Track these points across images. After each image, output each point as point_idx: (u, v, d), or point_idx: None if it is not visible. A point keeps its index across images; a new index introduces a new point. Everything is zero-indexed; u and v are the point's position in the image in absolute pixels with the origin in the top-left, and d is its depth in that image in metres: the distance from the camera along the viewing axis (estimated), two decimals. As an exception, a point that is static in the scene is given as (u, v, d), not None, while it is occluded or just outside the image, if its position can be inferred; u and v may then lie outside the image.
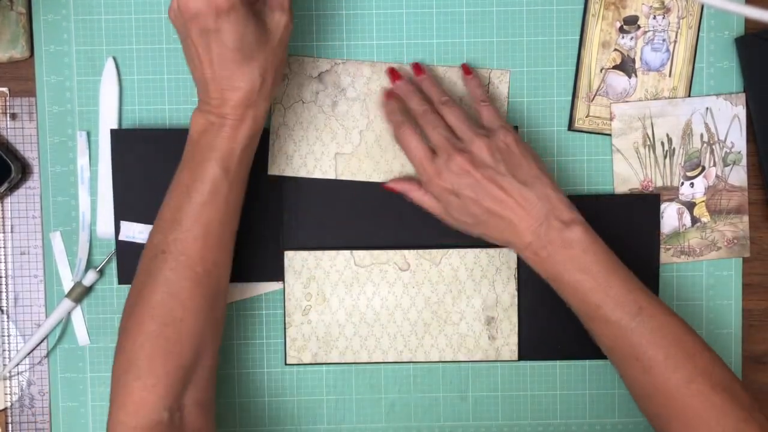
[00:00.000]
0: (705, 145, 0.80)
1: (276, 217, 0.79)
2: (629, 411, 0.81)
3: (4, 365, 0.80)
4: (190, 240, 0.67)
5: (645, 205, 0.80)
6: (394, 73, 0.77)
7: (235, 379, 0.81)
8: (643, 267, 0.80)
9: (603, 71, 0.80)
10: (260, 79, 0.67)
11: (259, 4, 0.67)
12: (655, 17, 0.79)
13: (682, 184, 0.80)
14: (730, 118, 0.80)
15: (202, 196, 0.68)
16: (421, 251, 0.79)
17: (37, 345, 0.79)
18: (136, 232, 0.77)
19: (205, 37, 0.65)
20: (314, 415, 0.81)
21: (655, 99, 0.80)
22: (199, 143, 0.68)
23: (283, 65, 0.70)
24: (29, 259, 0.80)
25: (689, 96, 0.80)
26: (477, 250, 0.80)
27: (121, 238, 0.77)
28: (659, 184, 0.80)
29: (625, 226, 0.80)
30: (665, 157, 0.80)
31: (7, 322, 0.80)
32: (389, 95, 0.76)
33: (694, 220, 0.80)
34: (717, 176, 0.80)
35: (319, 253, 0.79)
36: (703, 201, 0.80)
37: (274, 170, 0.78)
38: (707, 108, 0.80)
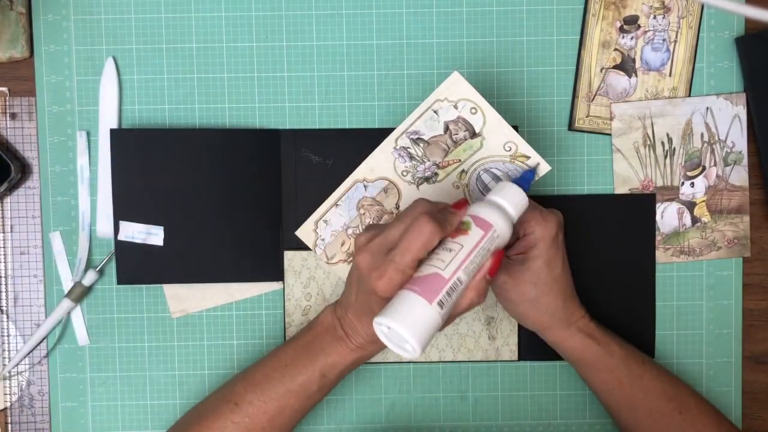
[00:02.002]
0: (705, 144, 0.80)
1: (276, 217, 0.79)
2: (629, 411, 0.81)
3: (4, 365, 0.80)
4: (261, 411, 0.71)
5: (641, 205, 0.80)
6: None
7: (235, 379, 0.81)
8: (640, 266, 0.80)
9: (603, 71, 0.80)
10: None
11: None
12: (655, 17, 0.79)
13: (683, 183, 0.80)
14: (730, 118, 0.80)
15: (292, 384, 0.71)
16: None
17: (37, 345, 0.79)
18: (135, 231, 0.77)
19: (361, 291, 0.66)
20: (314, 415, 0.81)
21: (655, 99, 0.80)
22: (316, 339, 0.71)
23: None
24: (29, 259, 0.80)
25: (689, 96, 0.80)
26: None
27: (120, 237, 0.77)
28: (659, 183, 0.80)
29: (622, 226, 0.80)
30: (665, 156, 0.80)
31: (7, 322, 0.80)
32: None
33: (695, 220, 0.80)
34: (717, 176, 0.80)
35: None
36: (703, 201, 0.80)
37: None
38: (707, 108, 0.80)
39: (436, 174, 0.75)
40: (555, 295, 0.72)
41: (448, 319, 0.65)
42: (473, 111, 0.73)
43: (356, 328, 0.69)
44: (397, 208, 0.77)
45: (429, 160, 0.75)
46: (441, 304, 0.61)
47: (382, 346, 0.69)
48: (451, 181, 0.75)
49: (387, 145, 0.75)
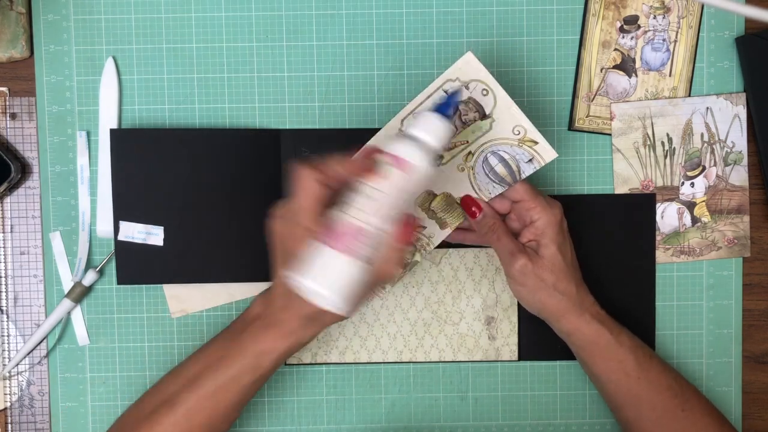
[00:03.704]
0: (705, 144, 0.80)
1: (276, 217, 0.79)
2: (629, 411, 0.81)
3: (4, 365, 0.80)
4: (197, 409, 0.69)
5: (641, 205, 0.80)
6: (474, 206, 0.75)
7: (235, 379, 0.81)
8: (640, 266, 0.80)
9: (603, 71, 0.80)
10: (319, 321, 0.67)
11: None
12: (655, 17, 0.79)
13: (683, 183, 0.80)
14: (730, 118, 0.80)
15: (224, 378, 0.69)
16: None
17: (37, 345, 0.79)
18: (135, 231, 0.77)
19: (282, 257, 0.65)
20: (314, 415, 0.81)
21: (655, 99, 0.80)
22: (247, 329, 0.69)
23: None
24: (29, 259, 0.80)
25: (689, 96, 0.80)
26: (477, 250, 0.80)
27: (120, 238, 0.77)
28: (659, 183, 0.80)
29: (622, 226, 0.80)
30: (665, 156, 0.80)
31: (7, 322, 0.80)
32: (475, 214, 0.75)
33: (695, 220, 0.80)
34: (717, 176, 0.80)
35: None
36: (703, 201, 0.80)
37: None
38: (707, 108, 0.80)
39: (441, 156, 0.75)
40: (569, 280, 0.73)
41: (371, 288, 0.62)
42: (484, 92, 0.72)
43: (284, 311, 0.67)
44: None
45: None
46: (359, 255, 0.56)
47: (317, 331, 0.67)
48: (456, 164, 0.74)
49: (392, 126, 0.74)
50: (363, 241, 0.56)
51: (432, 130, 0.59)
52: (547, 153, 0.73)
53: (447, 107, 0.62)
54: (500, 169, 0.73)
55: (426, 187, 0.61)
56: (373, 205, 0.57)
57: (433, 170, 0.59)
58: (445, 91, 0.70)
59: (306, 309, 0.65)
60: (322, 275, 0.56)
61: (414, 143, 0.59)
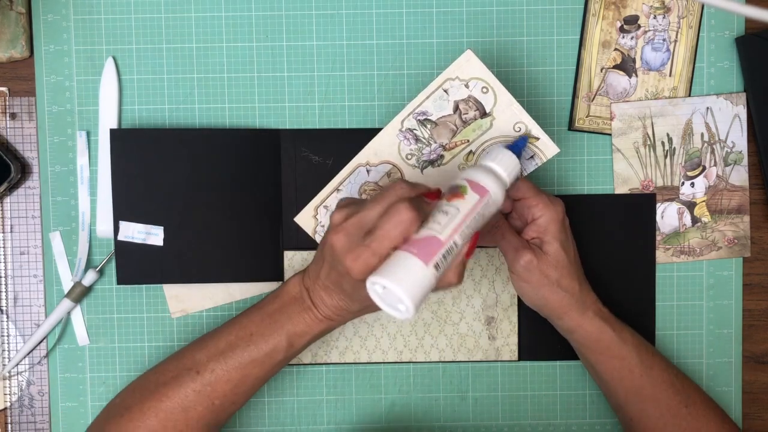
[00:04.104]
0: (705, 144, 0.80)
1: (276, 217, 0.79)
2: (629, 411, 0.81)
3: (4, 365, 0.80)
4: (224, 379, 0.70)
5: (641, 205, 0.80)
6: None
7: (235, 379, 0.81)
8: (640, 266, 0.80)
9: (603, 71, 0.80)
10: (360, 308, 0.68)
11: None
12: (655, 17, 0.79)
13: (683, 183, 0.80)
14: (730, 118, 0.80)
15: (258, 353, 0.70)
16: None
17: (37, 345, 0.79)
18: (135, 231, 0.77)
19: (335, 270, 0.65)
20: (314, 415, 0.81)
21: (655, 99, 0.80)
22: (283, 308, 0.70)
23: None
24: (29, 259, 0.80)
25: (689, 96, 0.80)
26: (477, 250, 0.80)
27: (120, 238, 0.77)
28: (659, 183, 0.80)
29: (622, 226, 0.80)
30: (666, 156, 0.80)
31: (7, 322, 0.80)
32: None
33: (695, 220, 0.80)
34: (718, 176, 0.80)
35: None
36: (703, 201, 0.80)
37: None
38: (708, 108, 0.80)
39: (441, 156, 0.75)
40: (572, 277, 0.73)
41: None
42: (484, 90, 0.72)
43: (324, 300, 0.68)
44: None
45: (435, 142, 0.74)
46: (437, 266, 0.60)
47: (350, 317, 0.69)
48: (456, 164, 0.74)
49: (392, 127, 0.74)
50: (440, 252, 0.61)
51: (505, 164, 0.67)
52: (548, 149, 0.73)
53: (518, 147, 0.69)
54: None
55: (496, 216, 0.67)
56: (452, 221, 0.62)
57: (502, 199, 0.65)
58: (519, 136, 0.73)
59: (351, 304, 0.67)
60: (405, 280, 0.60)
61: (489, 173, 0.65)
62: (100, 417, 0.73)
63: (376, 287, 0.61)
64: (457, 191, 0.64)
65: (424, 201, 0.64)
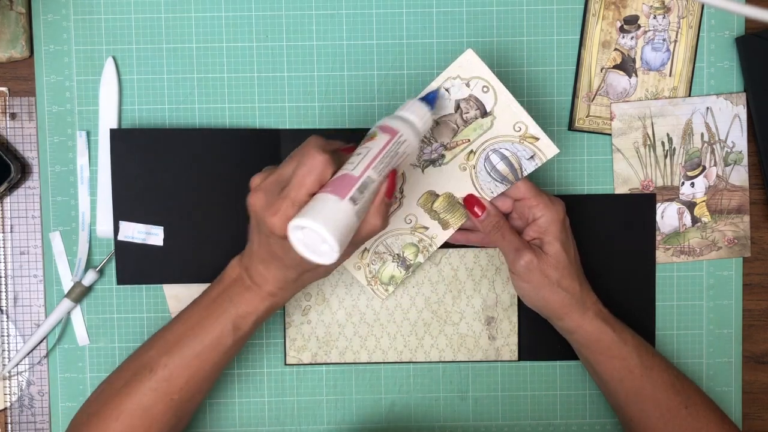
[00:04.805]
0: (705, 144, 0.80)
1: (276, 217, 0.79)
2: (629, 411, 0.81)
3: (4, 365, 0.80)
4: (177, 374, 0.69)
5: (641, 205, 0.80)
6: (477, 206, 0.75)
7: (235, 379, 0.81)
8: (640, 266, 0.80)
9: (603, 71, 0.80)
10: (298, 274, 0.67)
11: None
12: (655, 17, 0.79)
13: (683, 183, 0.80)
14: (730, 118, 0.80)
15: (205, 341, 0.69)
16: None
17: (37, 345, 0.79)
18: (135, 231, 0.77)
19: (262, 234, 0.65)
20: (314, 415, 0.81)
21: (655, 99, 0.80)
22: (224, 292, 0.70)
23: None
24: (29, 259, 0.80)
25: (689, 96, 0.80)
26: (477, 250, 0.80)
27: (120, 238, 0.77)
28: (659, 183, 0.80)
29: (622, 226, 0.80)
30: (666, 156, 0.80)
31: (7, 322, 0.80)
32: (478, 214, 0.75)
33: (695, 220, 0.80)
34: (718, 176, 0.80)
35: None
36: (703, 201, 0.80)
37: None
38: (708, 108, 0.80)
39: (442, 156, 0.75)
40: (573, 278, 0.73)
41: (354, 243, 0.64)
42: (485, 90, 0.72)
43: (263, 273, 0.67)
44: (401, 192, 0.76)
45: (437, 141, 0.74)
46: (353, 200, 0.61)
47: (293, 289, 0.69)
48: (457, 163, 0.74)
49: None
50: (355, 186, 0.62)
51: (414, 110, 0.68)
52: (548, 149, 0.73)
53: (430, 98, 0.71)
54: (502, 167, 0.73)
55: (411, 157, 0.68)
56: (365, 159, 0.63)
57: (417, 141, 0.67)
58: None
59: (288, 272, 0.66)
60: (321, 215, 0.60)
61: (398, 119, 0.68)
62: (68, 429, 0.73)
63: (297, 234, 0.61)
64: (368, 137, 0.66)
65: (340, 154, 0.65)
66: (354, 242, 0.64)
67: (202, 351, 0.69)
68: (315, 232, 0.60)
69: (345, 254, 0.66)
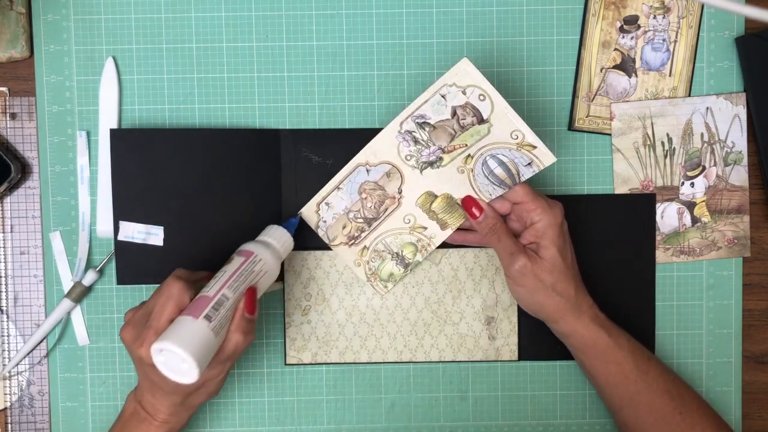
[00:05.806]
0: (705, 144, 0.80)
1: (276, 217, 0.79)
2: (629, 411, 0.81)
3: (4, 365, 0.80)
4: None
5: (641, 205, 0.80)
6: (475, 207, 0.75)
7: (235, 379, 0.81)
8: (640, 266, 0.80)
9: (603, 71, 0.80)
10: (182, 398, 0.70)
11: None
12: (655, 17, 0.79)
13: (683, 183, 0.80)
14: (730, 118, 0.80)
15: None
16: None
17: (37, 345, 0.79)
18: (135, 231, 0.77)
19: (139, 366, 0.69)
20: (314, 415, 0.81)
21: (655, 99, 0.80)
22: (125, 426, 0.72)
23: (222, 380, 0.71)
24: (29, 259, 0.80)
25: (689, 96, 0.80)
26: (477, 250, 0.80)
27: (120, 238, 0.77)
28: (659, 183, 0.80)
29: (622, 226, 0.80)
30: (665, 156, 0.80)
31: (7, 322, 0.80)
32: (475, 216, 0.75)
33: (695, 220, 0.80)
34: (717, 176, 0.80)
35: (319, 253, 0.79)
36: (703, 201, 0.80)
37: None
38: (707, 108, 0.80)
39: (440, 159, 0.75)
40: (568, 282, 0.73)
41: (220, 361, 0.68)
42: (482, 98, 0.72)
43: (153, 404, 0.71)
44: (400, 192, 0.76)
45: (434, 144, 0.74)
46: (208, 317, 0.65)
47: (188, 416, 0.72)
48: (456, 166, 0.75)
49: (391, 128, 0.75)
50: (209, 305, 0.66)
51: (273, 235, 0.74)
52: (545, 157, 0.73)
53: (292, 227, 0.76)
54: (499, 171, 0.73)
55: (271, 274, 0.72)
56: (220, 281, 0.68)
57: (276, 262, 0.72)
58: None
59: (172, 397, 0.69)
60: (177, 336, 0.64)
61: (257, 243, 0.73)
62: None
63: (160, 357, 0.65)
64: (227, 262, 0.71)
65: (203, 282, 0.70)
66: (220, 360, 0.68)
67: None
68: (172, 353, 0.64)
69: (216, 371, 0.69)
